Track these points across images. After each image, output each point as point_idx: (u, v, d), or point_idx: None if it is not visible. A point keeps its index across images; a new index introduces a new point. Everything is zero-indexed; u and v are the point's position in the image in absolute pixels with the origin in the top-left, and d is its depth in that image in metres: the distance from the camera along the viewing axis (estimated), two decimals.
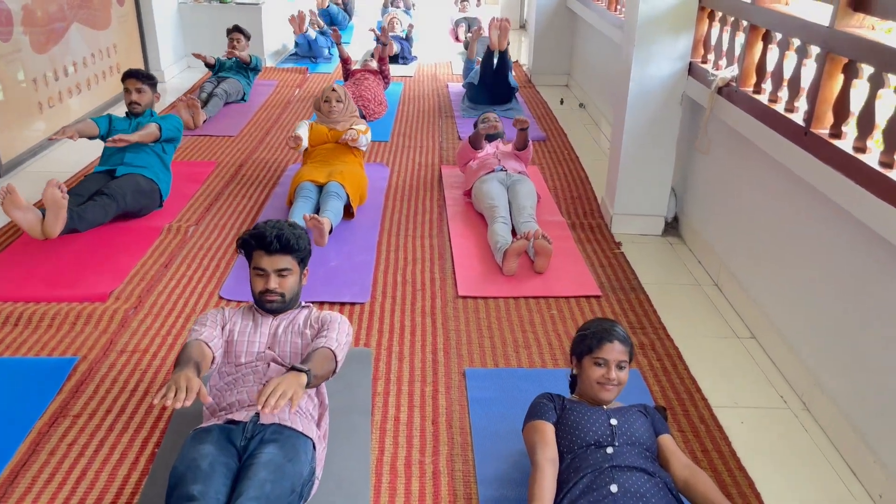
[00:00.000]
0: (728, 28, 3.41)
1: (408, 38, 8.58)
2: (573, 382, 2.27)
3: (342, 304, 3.22)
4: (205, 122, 5.71)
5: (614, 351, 2.09)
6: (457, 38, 9.81)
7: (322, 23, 8.68)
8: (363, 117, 5.84)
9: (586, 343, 2.12)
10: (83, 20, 5.68)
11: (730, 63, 3.35)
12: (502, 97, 6.27)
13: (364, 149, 4.30)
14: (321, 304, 3.20)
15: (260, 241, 2.17)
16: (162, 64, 7.09)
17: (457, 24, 10.15)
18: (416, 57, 8.47)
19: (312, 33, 8.08)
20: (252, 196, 4.39)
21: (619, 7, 5.54)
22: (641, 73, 3.70)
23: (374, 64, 6.59)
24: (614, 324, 2.16)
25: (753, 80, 3.12)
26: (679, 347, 2.97)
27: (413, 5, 11.18)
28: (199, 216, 4.06)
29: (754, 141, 3.06)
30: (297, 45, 8.33)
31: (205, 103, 5.86)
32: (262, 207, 4.23)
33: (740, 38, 3.30)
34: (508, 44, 6.12)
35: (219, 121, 5.82)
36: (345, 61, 6.52)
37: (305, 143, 4.24)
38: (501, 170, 4.18)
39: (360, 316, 3.14)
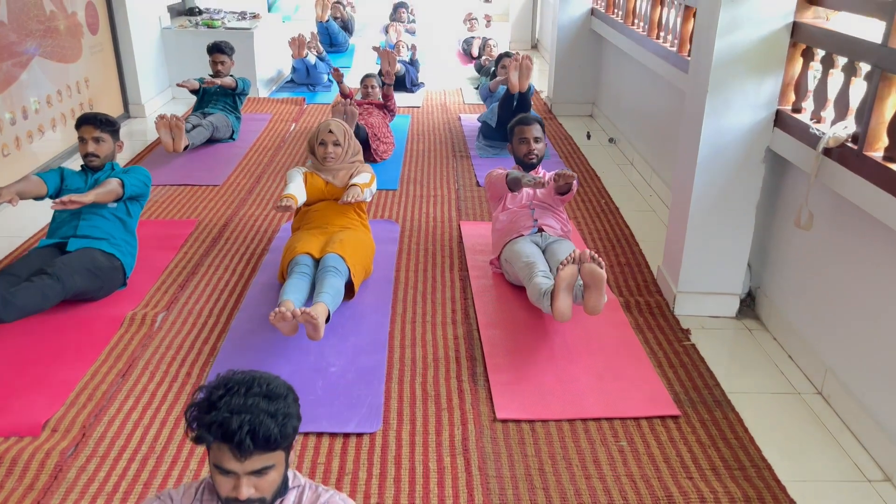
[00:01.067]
0: (837, 72, 2.69)
1: (413, 62, 7.88)
2: None
3: (346, 434, 2.48)
4: (186, 148, 5.00)
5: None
6: (472, 57, 9.12)
7: (320, 47, 7.99)
8: (368, 151, 5.14)
9: None
10: (47, 53, 4.97)
11: (840, 116, 2.62)
12: None
13: (369, 199, 3.56)
14: (319, 435, 2.47)
15: (225, 435, 1.43)
16: (143, 97, 6.39)
17: (466, 44, 9.47)
18: (422, 83, 7.77)
19: (312, 58, 7.38)
20: (237, 268, 3.66)
21: (662, 34, 4.83)
22: (716, 125, 2.98)
23: (377, 89, 5.90)
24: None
25: (884, 142, 2.39)
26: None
27: (413, 21, 10.51)
28: (171, 298, 3.33)
29: (882, 219, 2.34)
30: (294, 70, 7.63)
31: (188, 131, 5.15)
32: (249, 284, 3.49)
33: (846, 83, 2.58)
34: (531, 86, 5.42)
35: (202, 162, 5.10)
36: (346, 96, 5.83)
37: (302, 200, 3.48)
38: (537, 231, 3.45)
39: (371, 453, 2.40)
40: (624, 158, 5.55)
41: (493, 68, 7.45)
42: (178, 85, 5.53)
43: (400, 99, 7.07)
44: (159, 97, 6.68)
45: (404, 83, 7.43)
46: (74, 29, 5.42)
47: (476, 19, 9.93)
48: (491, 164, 5.22)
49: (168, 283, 3.47)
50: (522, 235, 3.43)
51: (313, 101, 7.08)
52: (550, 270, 3.18)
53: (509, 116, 5.39)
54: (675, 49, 4.46)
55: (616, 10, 5.93)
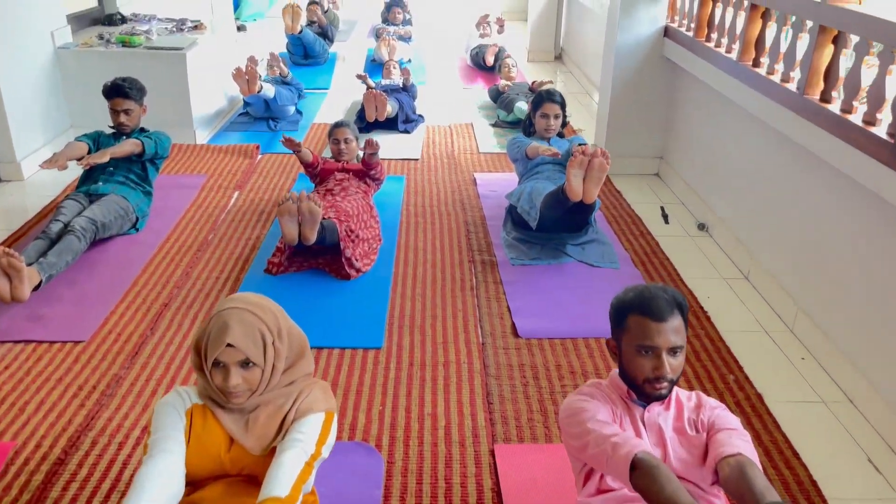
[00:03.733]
0: None
1: (407, 89, 5.94)
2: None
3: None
4: (37, 289, 3.05)
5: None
6: (485, 66, 7.21)
7: (285, 69, 6.02)
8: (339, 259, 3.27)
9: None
10: None
11: None
12: (574, 224, 3.66)
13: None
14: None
15: None
16: (18, 152, 4.44)
17: (477, 52, 7.53)
18: (421, 117, 5.83)
19: (270, 90, 5.42)
20: None
21: (779, 68, 2.91)
22: None
23: (352, 143, 4.02)
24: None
25: None
26: None
27: (409, 23, 8.56)
28: None
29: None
30: (246, 104, 5.69)
31: (44, 252, 3.20)
32: None
33: None
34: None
35: (67, 290, 3.17)
36: (309, 165, 3.93)
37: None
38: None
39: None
40: (729, 264, 3.65)
41: (517, 102, 5.53)
42: (41, 166, 3.56)
43: (393, 145, 5.14)
44: (48, 148, 4.72)
45: (395, 123, 5.49)
46: None
47: (488, 24, 7.97)
48: (532, 282, 3.33)
49: None
50: None
51: (272, 147, 5.13)
52: None
53: (556, 223, 3.56)
54: (798, 89, 2.59)
55: (710, 34, 4.01)
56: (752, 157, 3.54)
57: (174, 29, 5.58)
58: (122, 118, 3.81)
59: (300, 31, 7.06)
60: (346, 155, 4.04)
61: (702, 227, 4.01)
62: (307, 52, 7.54)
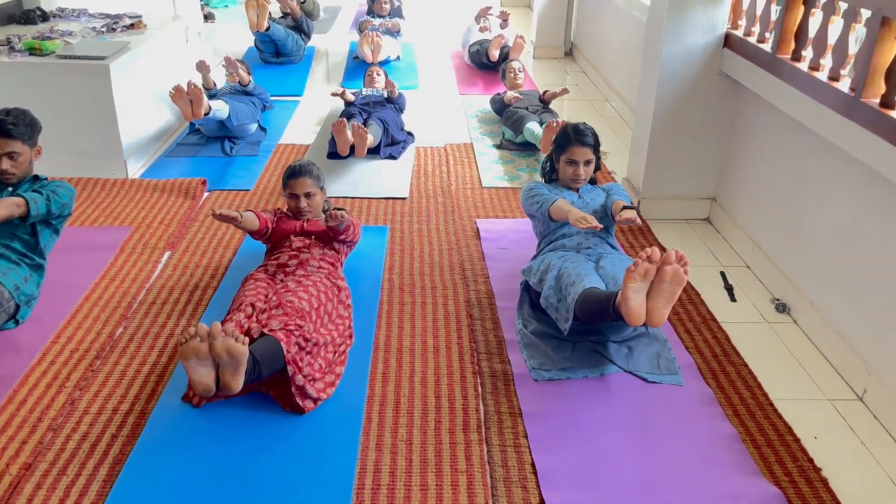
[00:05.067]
0: None
1: (392, 101, 4.89)
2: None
3: None
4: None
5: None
6: (489, 62, 6.20)
7: (245, 76, 4.95)
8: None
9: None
10: None
11: None
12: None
13: None
14: None
15: None
16: None
17: (477, 49, 6.48)
18: (410, 135, 4.80)
19: (223, 109, 4.36)
20: None
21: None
22: None
23: (315, 198, 3.02)
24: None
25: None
26: None
27: (400, 13, 7.48)
28: None
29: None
30: (193, 124, 4.64)
31: None
32: None
33: None
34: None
35: None
36: (257, 233, 2.92)
37: None
38: None
39: None
40: (832, 374, 2.66)
41: (527, 121, 4.51)
42: None
43: (370, 181, 4.10)
44: None
45: (377, 148, 4.45)
46: None
47: (488, 18, 6.90)
48: (565, 413, 2.34)
49: None
50: None
51: (224, 181, 4.09)
52: None
53: (590, 328, 2.57)
54: None
55: (798, 49, 2.99)
56: (854, 215, 2.54)
57: (104, 29, 4.51)
58: (5, 164, 2.80)
59: (267, 28, 5.98)
60: (308, 212, 3.02)
61: (781, 308, 3.01)
62: (278, 49, 6.47)
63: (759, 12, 3.24)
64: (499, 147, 4.72)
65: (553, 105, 5.03)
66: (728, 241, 3.57)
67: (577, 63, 7.01)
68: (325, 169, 4.22)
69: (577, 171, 2.96)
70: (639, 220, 2.58)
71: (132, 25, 4.64)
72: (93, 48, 4.05)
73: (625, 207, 2.68)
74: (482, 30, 6.87)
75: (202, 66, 4.75)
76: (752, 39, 3.26)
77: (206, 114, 4.12)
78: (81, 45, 4.12)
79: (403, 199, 3.95)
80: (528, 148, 4.62)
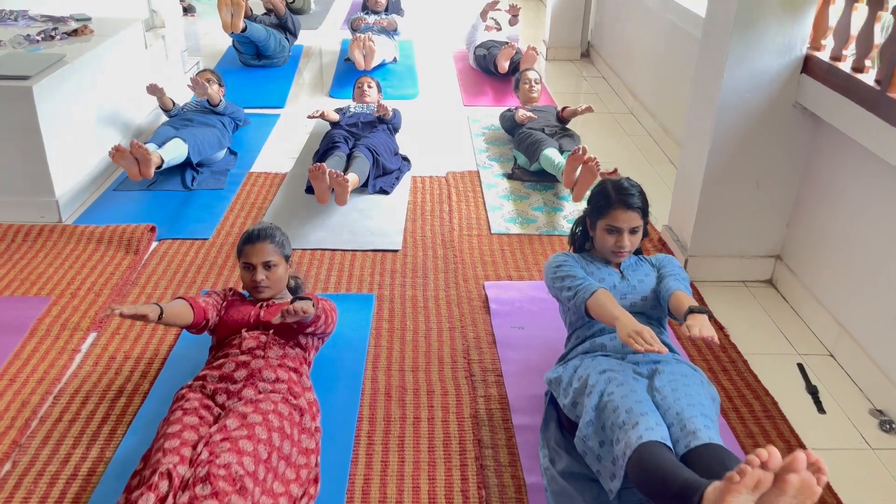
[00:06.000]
0: None
1: (387, 121, 4.15)
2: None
3: None
4: None
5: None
6: (496, 71, 5.49)
7: (216, 96, 4.16)
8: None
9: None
10: None
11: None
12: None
13: None
14: None
15: None
16: None
17: (483, 53, 5.74)
18: (406, 162, 4.07)
19: (180, 151, 3.61)
20: None
21: None
22: None
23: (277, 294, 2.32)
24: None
25: None
26: None
27: (400, 9, 6.71)
28: None
29: None
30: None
31: None
32: None
33: None
34: None
35: None
36: (194, 327, 2.22)
37: None
38: None
39: None
40: None
41: (545, 147, 3.78)
42: None
43: (355, 230, 3.36)
44: None
45: (367, 183, 3.72)
46: None
47: (495, 18, 6.15)
48: None
49: None
50: None
51: (179, 226, 3.37)
52: None
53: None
54: None
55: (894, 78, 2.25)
56: None
57: (40, 37, 3.78)
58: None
59: (244, 28, 5.23)
60: (267, 287, 2.31)
61: (888, 427, 2.29)
62: (259, 51, 5.72)
63: (854, 31, 2.50)
64: (510, 177, 3.99)
65: (572, 123, 4.30)
66: (799, 314, 2.85)
67: (594, 66, 6.24)
68: (302, 209, 3.52)
69: (621, 241, 2.24)
70: (718, 340, 1.86)
71: (75, 31, 3.91)
72: (17, 64, 3.32)
73: (692, 310, 1.96)
74: (489, 28, 6.11)
75: (154, 90, 4.02)
76: (844, 66, 2.52)
77: (158, 167, 3.42)
78: (5, 60, 3.39)
79: (395, 251, 3.23)
80: (544, 178, 3.89)
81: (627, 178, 2.31)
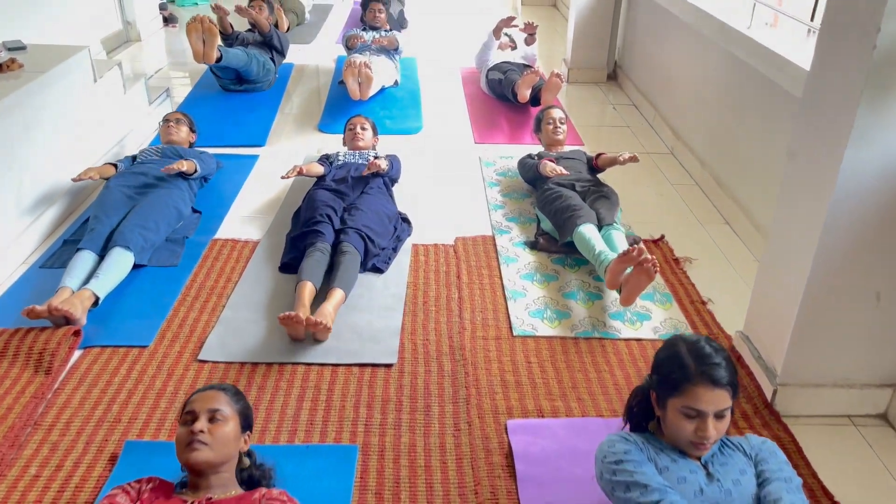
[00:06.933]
0: None
1: (384, 175, 3.40)
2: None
3: None
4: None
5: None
6: (514, 99, 4.77)
7: (185, 140, 3.44)
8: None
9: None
10: None
11: None
12: None
13: None
14: None
15: None
16: None
17: (498, 80, 4.99)
18: (407, 224, 3.32)
19: (115, 274, 2.84)
20: None
21: None
22: None
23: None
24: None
25: None
26: None
27: (403, 23, 5.95)
28: None
29: None
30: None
31: None
32: None
33: None
34: None
35: None
36: None
37: None
38: None
39: None
40: None
41: (580, 225, 3.03)
42: None
43: (342, 308, 2.60)
44: None
45: (363, 263, 2.96)
46: None
47: (510, 35, 5.40)
48: None
49: None
50: None
51: (112, 329, 2.62)
52: None
53: None
54: None
55: None
56: None
57: None
58: None
59: (219, 58, 4.46)
60: (207, 448, 1.59)
61: None
62: (240, 76, 4.97)
63: None
64: (534, 246, 3.24)
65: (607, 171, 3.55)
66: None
67: (623, 91, 5.48)
68: (278, 297, 2.76)
69: (704, 430, 1.54)
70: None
71: (1, 67, 3.17)
72: None
73: None
74: (503, 46, 5.36)
75: (83, 177, 3.21)
76: None
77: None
78: None
79: (389, 366, 2.48)
80: (574, 251, 3.13)
81: (707, 339, 1.60)
